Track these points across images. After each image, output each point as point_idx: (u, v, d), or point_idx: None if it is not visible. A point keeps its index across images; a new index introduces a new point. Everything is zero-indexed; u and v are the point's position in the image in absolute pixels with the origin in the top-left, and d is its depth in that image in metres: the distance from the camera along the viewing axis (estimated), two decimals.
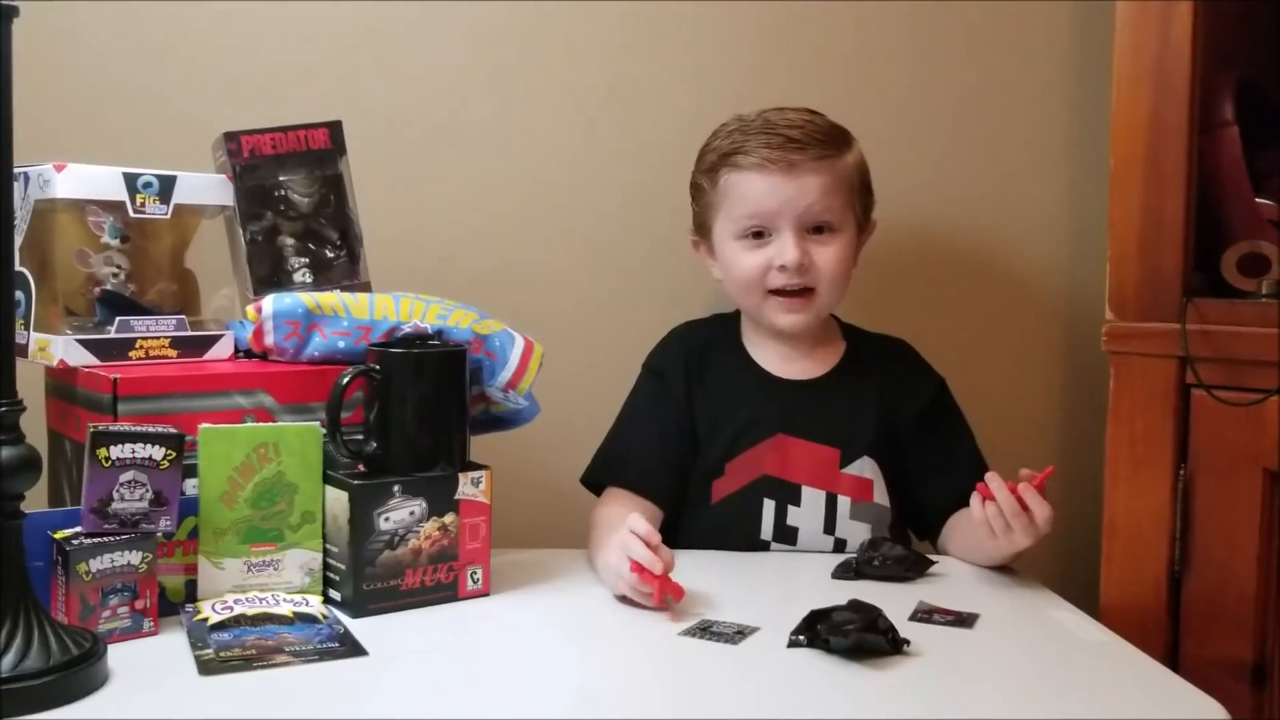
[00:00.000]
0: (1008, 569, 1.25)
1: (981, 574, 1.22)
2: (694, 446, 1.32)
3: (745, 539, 1.29)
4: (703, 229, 1.35)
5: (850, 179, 1.30)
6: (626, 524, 1.09)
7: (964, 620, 1.06)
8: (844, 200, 1.29)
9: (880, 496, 1.30)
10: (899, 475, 1.32)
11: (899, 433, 1.32)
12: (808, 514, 1.28)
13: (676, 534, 1.30)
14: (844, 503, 1.29)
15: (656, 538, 1.07)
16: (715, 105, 1.38)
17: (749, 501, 1.29)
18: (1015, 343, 1.58)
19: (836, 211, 1.28)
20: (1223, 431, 1.18)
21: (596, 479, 1.32)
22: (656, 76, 1.52)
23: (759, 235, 1.29)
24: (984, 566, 1.23)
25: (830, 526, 1.29)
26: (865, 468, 1.30)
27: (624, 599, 1.09)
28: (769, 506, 1.29)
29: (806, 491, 1.29)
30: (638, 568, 1.05)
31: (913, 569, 1.20)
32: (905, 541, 1.30)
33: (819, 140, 1.27)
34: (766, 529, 1.29)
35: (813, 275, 1.28)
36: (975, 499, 1.15)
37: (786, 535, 1.29)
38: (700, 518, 1.31)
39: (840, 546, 1.28)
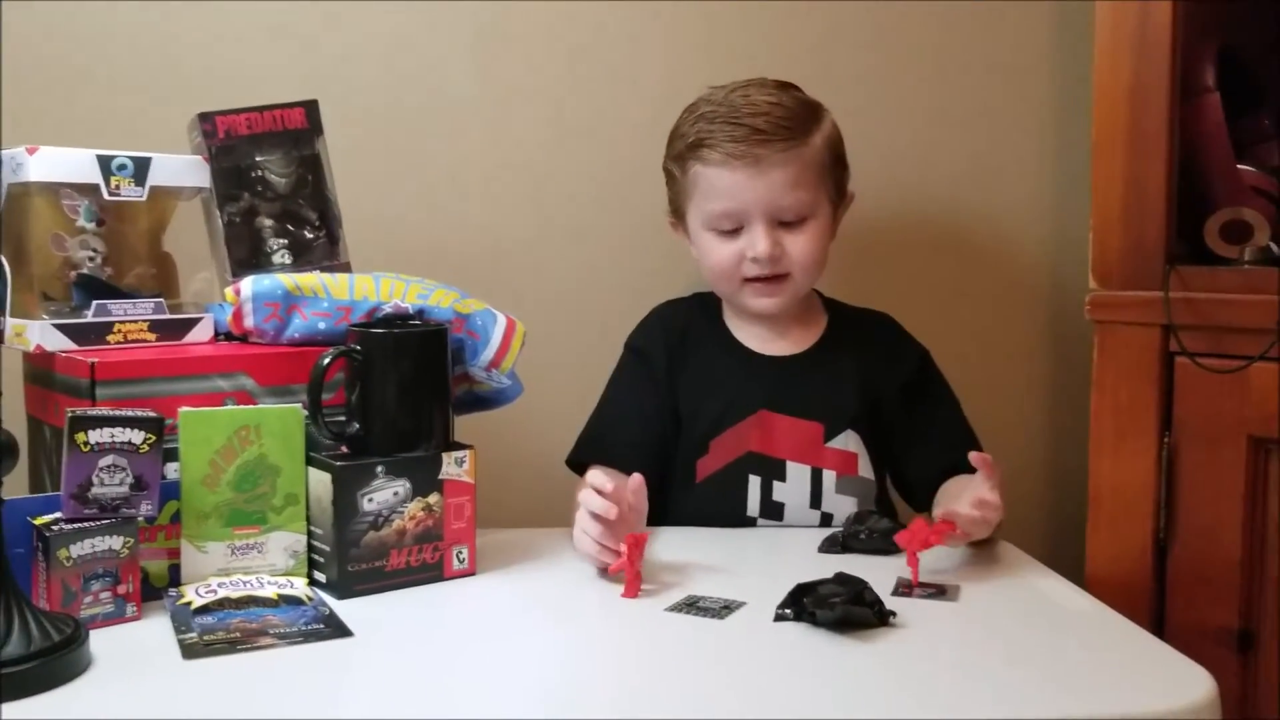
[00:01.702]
0: (992, 540, 1.26)
1: (968, 546, 1.22)
2: (676, 425, 1.32)
3: (731, 516, 1.29)
4: (678, 212, 1.35)
5: (820, 160, 1.28)
6: (587, 479, 1.09)
7: (944, 592, 1.06)
8: (814, 186, 1.28)
9: (865, 470, 1.30)
10: (885, 448, 1.32)
11: (883, 406, 1.32)
12: (793, 489, 1.28)
13: (663, 514, 1.29)
14: (829, 477, 1.29)
15: (610, 485, 1.07)
16: (695, 84, 1.36)
17: (734, 479, 1.29)
18: (999, 314, 1.58)
19: (806, 202, 1.27)
20: (1207, 399, 1.18)
21: (579, 459, 1.32)
22: (637, 54, 1.51)
23: (730, 229, 1.28)
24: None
25: (816, 501, 1.29)
26: (849, 441, 1.30)
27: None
28: (754, 483, 1.29)
29: (791, 467, 1.29)
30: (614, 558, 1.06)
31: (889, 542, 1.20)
32: (890, 514, 1.30)
33: (785, 128, 1.24)
34: (753, 505, 1.29)
35: (785, 263, 1.28)
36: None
37: (773, 511, 1.29)
38: (686, 497, 1.31)
39: (827, 521, 1.29)
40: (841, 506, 1.28)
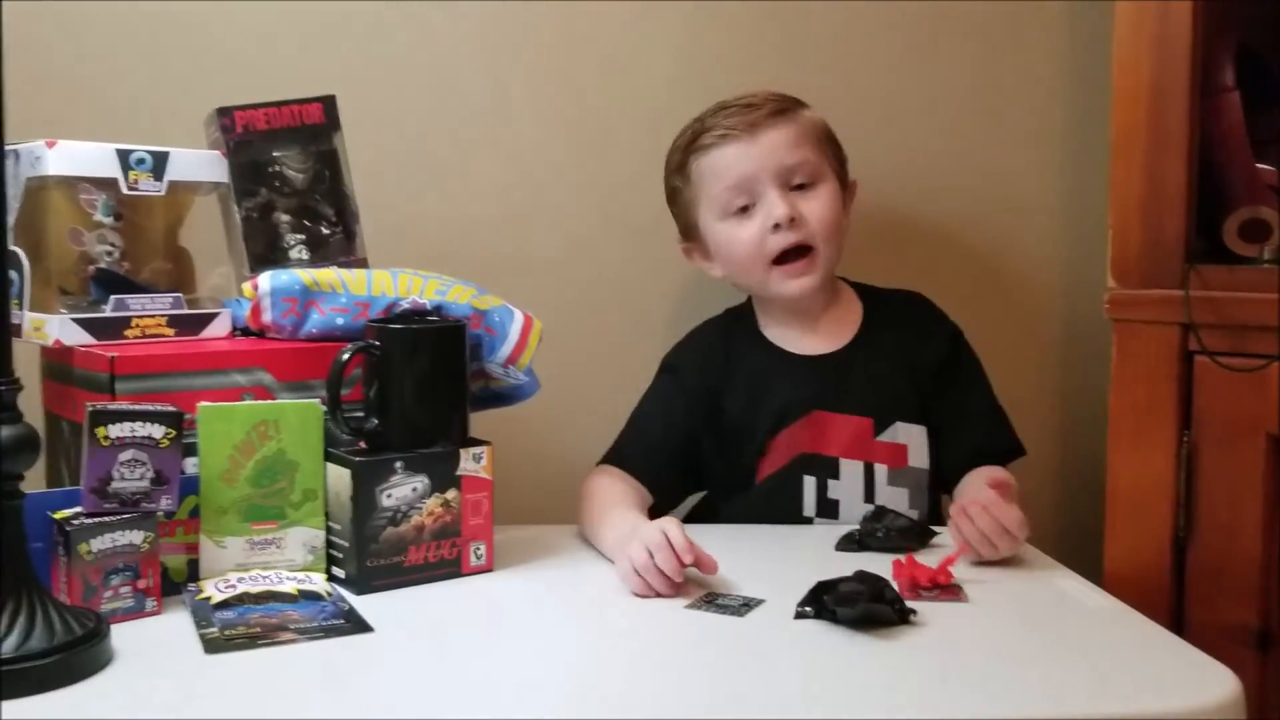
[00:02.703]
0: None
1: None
2: (699, 442, 1.32)
3: (788, 517, 1.29)
4: (690, 231, 1.35)
5: (816, 133, 1.31)
6: (665, 528, 1.06)
7: (952, 593, 1.05)
8: (816, 152, 1.30)
9: (917, 459, 1.30)
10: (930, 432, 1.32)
11: (926, 392, 1.31)
12: (846, 486, 1.29)
13: (716, 518, 1.31)
14: (881, 470, 1.29)
15: (687, 545, 1.05)
16: (712, 85, 1.37)
17: (790, 480, 1.29)
18: (1017, 312, 1.57)
19: (813, 162, 1.29)
20: (1226, 397, 1.18)
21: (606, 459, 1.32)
22: (656, 53, 1.51)
23: (744, 209, 1.29)
24: None
25: (870, 495, 1.28)
26: (898, 433, 1.30)
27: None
28: (809, 483, 1.29)
29: (844, 464, 1.29)
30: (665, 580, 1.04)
31: (916, 540, 1.19)
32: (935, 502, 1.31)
33: (773, 99, 1.29)
34: (809, 505, 1.29)
35: (807, 230, 1.28)
36: (952, 522, 1.14)
37: (828, 509, 1.29)
38: (743, 500, 1.31)
39: None
40: (894, 499, 1.28)
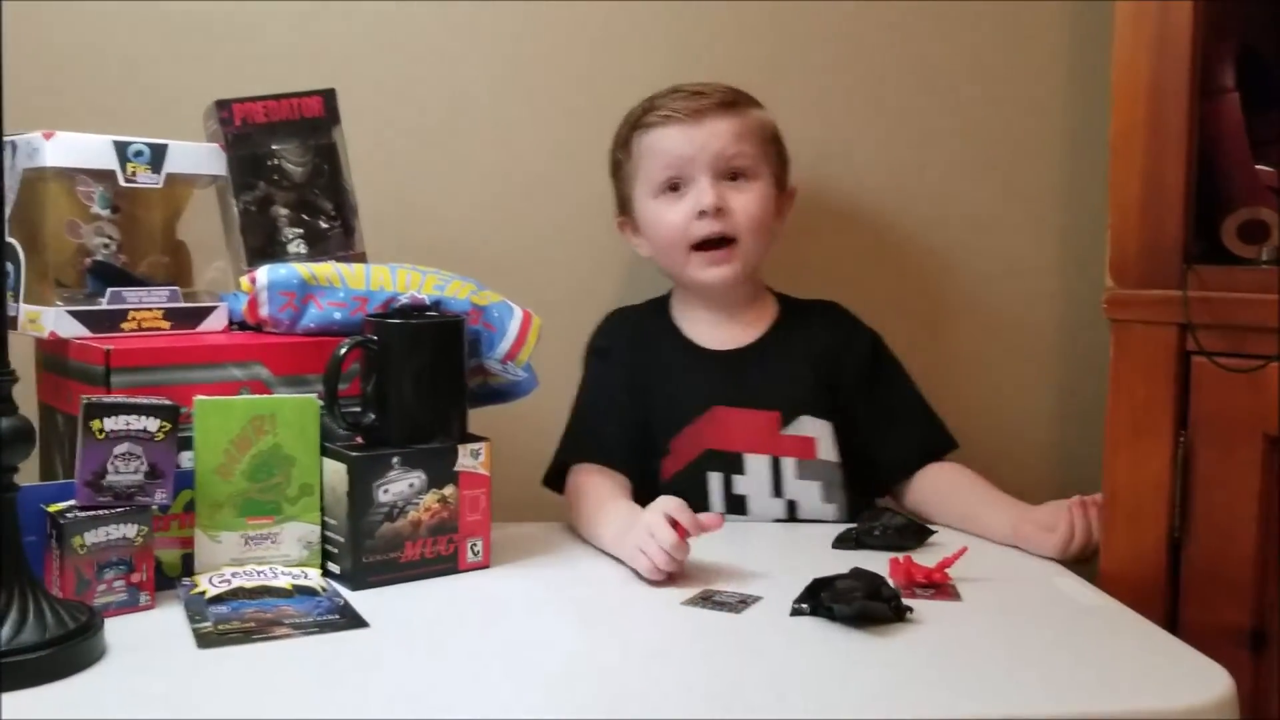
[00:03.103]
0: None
1: (983, 543, 1.22)
2: (645, 416, 1.32)
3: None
4: (625, 205, 1.37)
5: (761, 132, 1.33)
6: (669, 508, 1.07)
7: (944, 591, 1.05)
8: (757, 149, 1.31)
9: (826, 453, 1.30)
10: (848, 435, 1.32)
11: (841, 393, 1.32)
12: (753, 481, 1.29)
13: None
14: (789, 464, 1.29)
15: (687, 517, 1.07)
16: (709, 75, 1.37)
17: (695, 478, 1.29)
18: (1014, 311, 1.57)
19: (750, 157, 1.30)
20: (1223, 398, 1.18)
21: (562, 465, 1.31)
22: (652, 49, 1.51)
23: (676, 188, 1.31)
24: (970, 533, 1.23)
25: (778, 490, 1.29)
26: (806, 426, 1.30)
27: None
28: (715, 479, 1.29)
29: (749, 459, 1.29)
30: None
31: (913, 538, 1.20)
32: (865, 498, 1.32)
33: (724, 91, 1.31)
34: (716, 502, 1.29)
35: (731, 222, 1.29)
36: (1073, 506, 1.19)
37: (736, 505, 1.29)
38: (651, 498, 1.30)
39: (791, 509, 1.29)
40: (804, 492, 1.28)
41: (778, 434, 1.29)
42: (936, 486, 1.30)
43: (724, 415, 1.30)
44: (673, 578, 1.07)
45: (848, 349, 1.34)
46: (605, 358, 1.36)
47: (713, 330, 1.35)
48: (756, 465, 1.29)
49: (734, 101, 1.31)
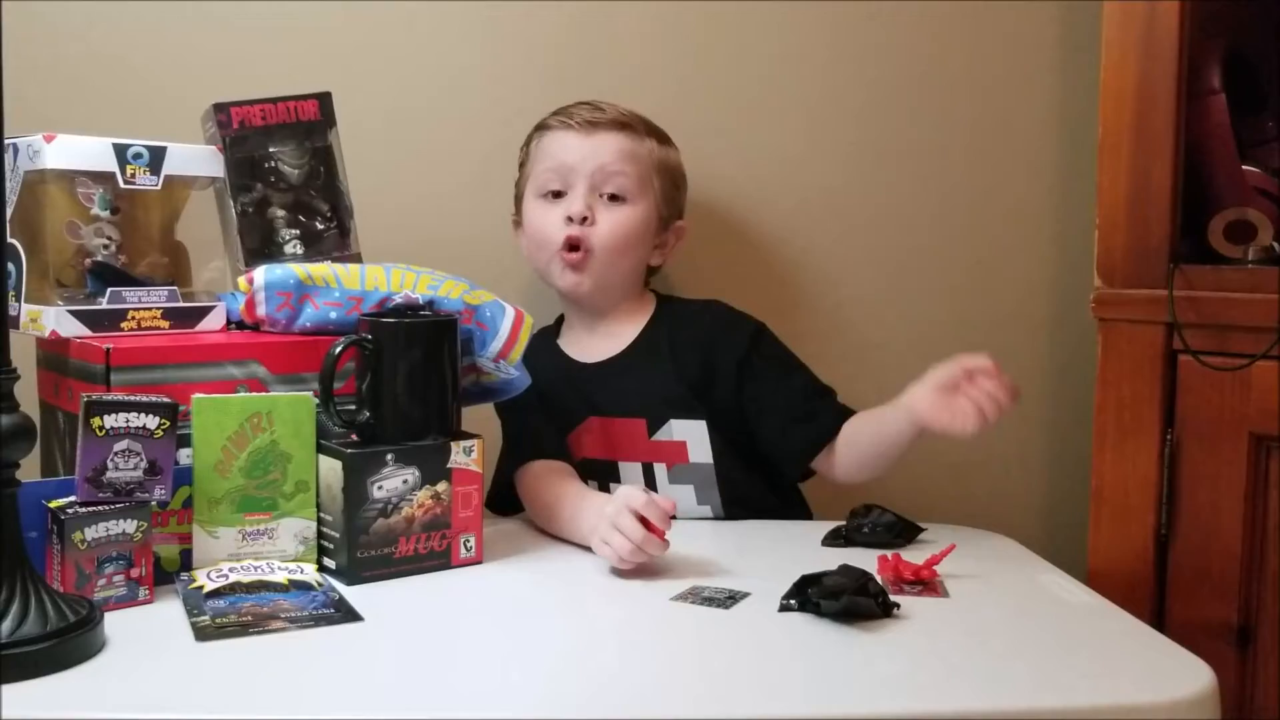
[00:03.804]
0: (997, 534, 1.27)
1: (970, 539, 1.23)
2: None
3: None
4: (518, 202, 1.40)
5: (651, 163, 1.35)
6: (629, 498, 1.09)
7: (931, 589, 1.06)
8: (641, 175, 1.34)
9: (698, 455, 1.31)
10: (735, 429, 1.31)
11: (719, 388, 1.32)
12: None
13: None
14: (660, 469, 1.31)
15: (655, 508, 1.08)
16: (705, 81, 1.40)
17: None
18: (1003, 311, 1.58)
19: (631, 180, 1.33)
20: (1209, 397, 1.19)
21: (508, 475, 1.32)
22: (648, 52, 1.52)
23: (558, 195, 1.33)
24: (894, 455, 1.23)
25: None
26: (675, 430, 1.31)
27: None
28: (593, 488, 1.29)
29: (624, 466, 1.32)
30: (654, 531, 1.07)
31: (901, 535, 1.21)
32: (754, 496, 1.32)
33: (624, 115, 1.35)
34: None
35: (592, 234, 1.31)
36: (953, 369, 1.14)
37: None
38: None
39: None
40: (680, 496, 1.28)
41: (647, 440, 1.32)
42: (842, 450, 1.27)
43: (597, 425, 1.33)
44: (645, 566, 1.08)
45: (721, 344, 1.33)
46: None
47: (583, 344, 1.38)
48: (630, 472, 1.32)
49: (628, 124, 1.34)
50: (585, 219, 1.31)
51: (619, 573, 1.09)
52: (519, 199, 1.40)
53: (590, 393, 1.34)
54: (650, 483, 1.31)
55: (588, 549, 1.14)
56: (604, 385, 1.34)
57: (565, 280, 1.34)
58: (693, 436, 1.31)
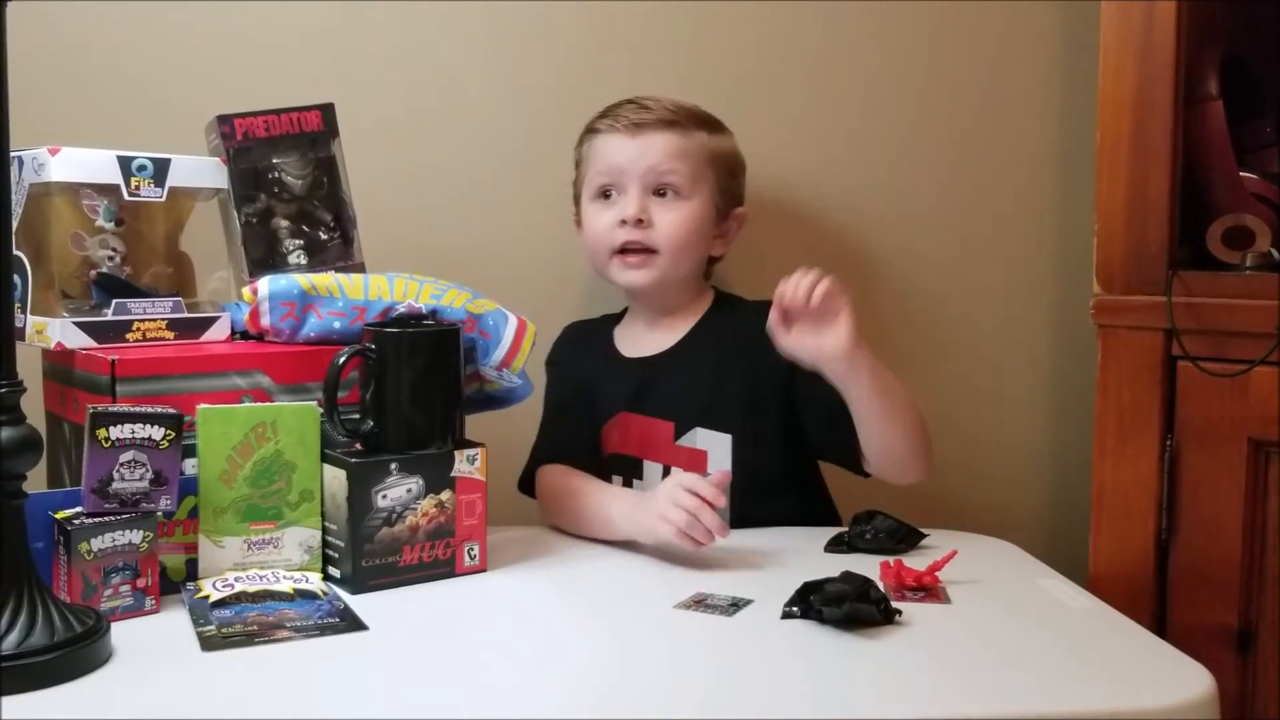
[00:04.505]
0: (999, 539, 1.28)
1: (971, 544, 1.23)
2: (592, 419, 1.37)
3: None
4: (578, 202, 1.41)
5: (703, 156, 1.35)
6: (686, 481, 1.14)
7: (933, 595, 1.06)
8: (693, 170, 1.33)
9: (717, 467, 1.30)
10: (790, 433, 1.31)
11: (768, 394, 1.31)
12: (647, 487, 1.31)
13: None
14: (677, 474, 1.30)
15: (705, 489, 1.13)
16: (706, 86, 1.40)
17: (605, 479, 1.32)
18: (1004, 317, 1.59)
19: (683, 176, 1.33)
20: (1208, 402, 1.19)
21: (533, 469, 1.35)
22: (651, 58, 1.53)
23: (609, 195, 1.35)
24: (875, 443, 1.23)
25: None
26: (699, 439, 1.32)
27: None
28: (617, 482, 1.32)
29: (647, 465, 1.33)
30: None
31: (904, 541, 1.21)
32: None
33: (670, 111, 1.34)
34: None
35: (652, 236, 1.32)
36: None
37: None
38: None
39: None
40: None
41: (671, 444, 1.32)
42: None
43: (628, 421, 1.34)
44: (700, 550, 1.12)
45: (771, 349, 1.28)
46: (556, 369, 1.42)
47: (636, 338, 1.39)
48: (652, 472, 1.32)
49: (674, 121, 1.34)
50: (640, 221, 1.31)
51: (628, 582, 1.09)
52: (577, 198, 1.41)
53: (627, 389, 1.35)
54: None
55: (595, 558, 1.14)
56: (642, 383, 1.35)
57: (624, 278, 1.35)
58: (715, 448, 1.31)
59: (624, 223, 1.32)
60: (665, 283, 1.35)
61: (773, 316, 1.20)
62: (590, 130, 1.38)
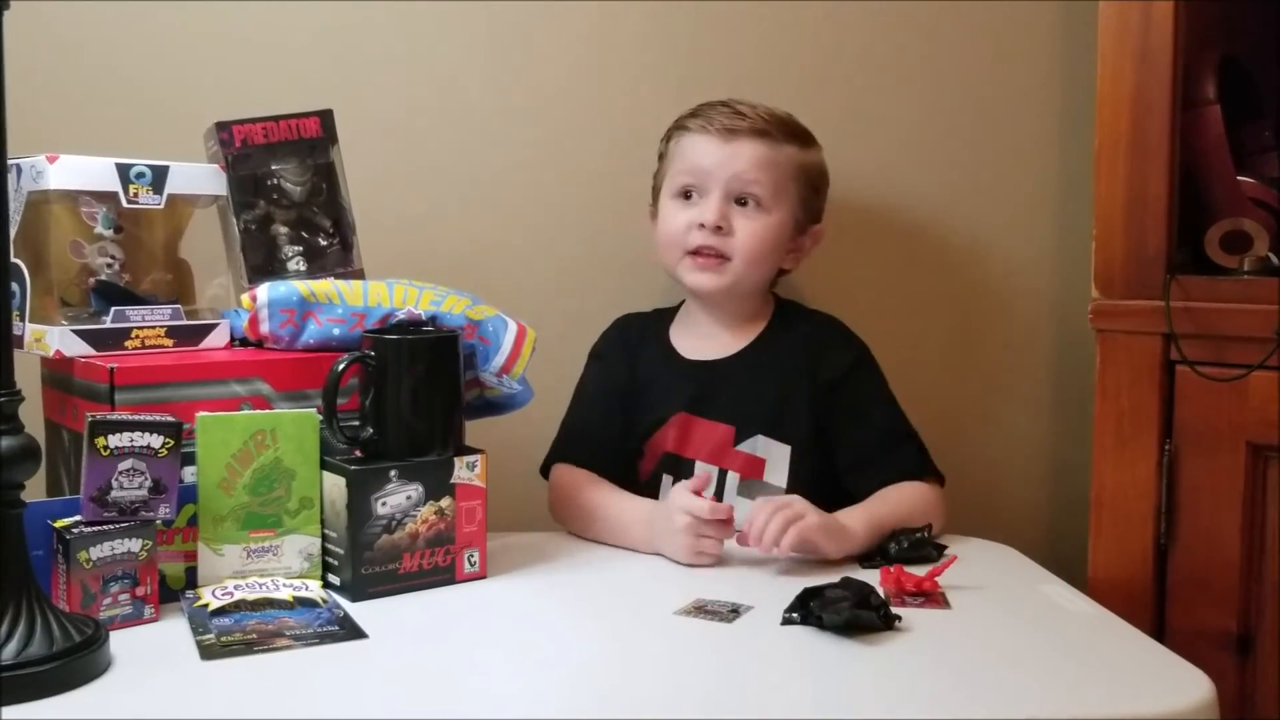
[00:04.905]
0: (999, 544, 1.28)
1: (971, 549, 1.23)
2: (632, 418, 1.37)
3: None
4: (656, 194, 1.41)
5: (790, 170, 1.34)
6: (689, 504, 1.17)
7: (932, 600, 1.07)
8: (777, 183, 1.33)
9: (774, 477, 1.31)
10: (818, 462, 1.32)
11: (814, 406, 1.32)
12: None
13: None
14: (733, 478, 1.32)
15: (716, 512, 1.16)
16: (707, 89, 1.40)
17: (655, 479, 1.34)
18: (1002, 322, 1.59)
19: (766, 187, 1.32)
20: (1207, 406, 1.20)
21: (550, 462, 1.36)
22: (651, 61, 1.52)
23: (689, 195, 1.34)
24: None
25: (719, 499, 1.29)
26: (759, 446, 1.32)
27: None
28: (667, 483, 1.33)
29: (699, 466, 1.33)
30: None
31: (932, 550, 1.20)
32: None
33: (764, 120, 1.33)
34: None
35: (729, 244, 1.32)
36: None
37: None
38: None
39: None
40: (739, 508, 1.26)
41: (730, 449, 1.32)
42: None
43: (687, 423, 1.34)
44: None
45: (823, 361, 1.34)
46: (600, 362, 1.41)
47: (698, 340, 1.38)
48: (704, 473, 1.32)
49: (765, 131, 1.32)
50: (719, 228, 1.31)
51: (629, 588, 1.10)
52: (656, 191, 1.40)
53: (688, 390, 1.34)
54: (720, 489, 1.32)
55: (595, 564, 1.14)
56: (704, 385, 1.35)
57: (693, 280, 1.34)
58: (774, 457, 1.32)
59: (701, 226, 1.31)
60: (733, 291, 1.34)
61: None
62: (680, 127, 1.37)
